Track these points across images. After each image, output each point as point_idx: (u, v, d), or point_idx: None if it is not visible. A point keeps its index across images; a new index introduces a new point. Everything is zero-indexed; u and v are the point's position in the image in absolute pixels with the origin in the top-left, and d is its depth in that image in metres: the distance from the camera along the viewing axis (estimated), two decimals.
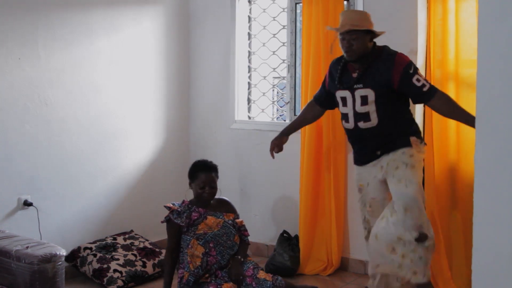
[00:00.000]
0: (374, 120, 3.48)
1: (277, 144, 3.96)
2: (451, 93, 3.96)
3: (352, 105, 3.53)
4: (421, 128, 4.17)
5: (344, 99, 3.58)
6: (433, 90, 3.40)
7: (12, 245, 3.30)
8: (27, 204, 4.05)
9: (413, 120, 3.65)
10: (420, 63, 4.10)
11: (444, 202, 4.00)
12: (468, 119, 3.31)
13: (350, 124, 3.57)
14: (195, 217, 3.56)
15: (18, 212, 4.04)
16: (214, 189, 3.61)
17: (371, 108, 3.46)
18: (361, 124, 3.51)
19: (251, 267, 3.55)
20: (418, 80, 3.38)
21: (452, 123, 3.96)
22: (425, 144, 3.60)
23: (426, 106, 4.10)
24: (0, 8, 3.89)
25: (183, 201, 3.66)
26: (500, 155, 1.57)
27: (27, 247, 3.26)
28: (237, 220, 3.67)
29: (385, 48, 3.55)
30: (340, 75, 3.60)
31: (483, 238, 1.61)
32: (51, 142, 4.21)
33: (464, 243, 3.92)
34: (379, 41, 4.21)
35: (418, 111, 4.15)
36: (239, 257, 3.58)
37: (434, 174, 3.99)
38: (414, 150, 3.45)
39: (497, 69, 1.57)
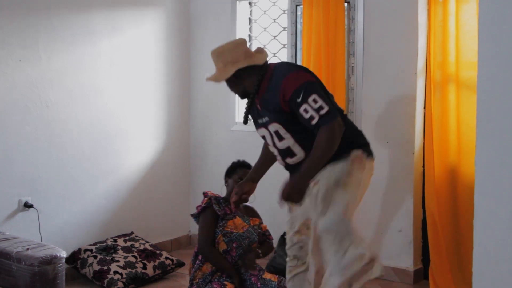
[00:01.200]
0: (299, 153, 2.87)
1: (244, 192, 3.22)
2: (452, 95, 3.96)
3: (272, 142, 2.95)
4: (421, 130, 4.19)
5: (264, 138, 3.02)
6: (321, 122, 2.71)
7: (12, 247, 3.29)
8: (27, 205, 4.05)
9: (354, 135, 2.93)
10: (420, 65, 4.11)
11: (444, 204, 4.00)
12: (310, 162, 2.76)
13: (282, 163, 3.02)
14: (228, 212, 3.62)
15: (19, 214, 4.04)
16: None
17: (289, 141, 2.87)
18: (290, 161, 2.93)
19: (257, 268, 3.58)
20: (306, 110, 2.72)
21: (453, 125, 3.96)
22: (373, 157, 2.95)
23: (426, 109, 4.11)
24: (0, 10, 3.90)
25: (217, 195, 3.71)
26: (501, 157, 1.57)
27: (28, 249, 3.25)
28: (262, 225, 3.75)
29: (276, 69, 2.88)
30: (248, 109, 3.02)
31: (483, 240, 1.61)
32: (51, 143, 4.21)
33: (465, 245, 3.92)
34: (383, 39, 4.21)
35: (418, 111, 4.16)
36: (260, 251, 3.63)
37: (435, 176, 3.99)
38: (351, 166, 2.83)
39: (497, 71, 1.57)
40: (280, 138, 2.89)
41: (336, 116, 2.73)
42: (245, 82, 2.94)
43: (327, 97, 2.79)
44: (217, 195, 3.68)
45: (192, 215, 3.71)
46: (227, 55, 2.93)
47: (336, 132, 2.73)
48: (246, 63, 2.90)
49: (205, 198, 3.64)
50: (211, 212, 3.59)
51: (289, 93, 2.75)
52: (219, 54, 2.96)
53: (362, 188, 2.92)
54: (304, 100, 2.71)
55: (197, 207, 3.66)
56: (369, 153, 2.92)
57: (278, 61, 4.61)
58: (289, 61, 4.81)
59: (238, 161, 3.77)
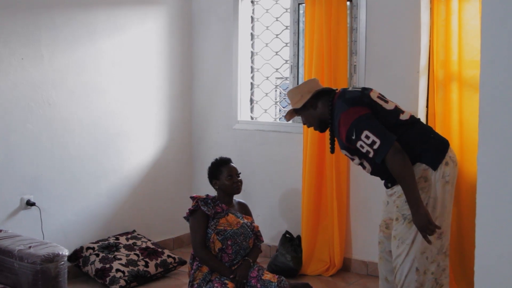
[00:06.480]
0: (368, 167, 3.14)
1: None
2: (454, 94, 3.96)
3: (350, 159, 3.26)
4: None
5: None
6: (379, 153, 2.91)
7: (14, 245, 3.30)
8: (29, 204, 4.06)
9: (418, 146, 3.04)
10: (423, 63, 4.10)
11: None
12: (407, 190, 2.90)
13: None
14: (219, 210, 3.61)
15: (21, 212, 4.05)
16: (240, 178, 3.70)
17: (356, 161, 3.16)
18: (365, 170, 3.21)
19: (256, 268, 3.58)
20: (362, 146, 2.95)
21: (455, 123, 3.95)
22: (438, 166, 3.00)
23: (428, 107, 4.11)
24: (3, 9, 3.90)
25: (207, 195, 3.70)
26: (503, 156, 1.57)
27: (30, 247, 3.26)
28: (254, 224, 3.73)
29: (337, 101, 3.10)
30: (332, 136, 3.28)
31: (485, 239, 1.60)
32: (54, 142, 4.22)
33: (467, 243, 3.92)
34: (385, 38, 4.21)
35: (421, 110, 4.15)
36: (250, 260, 3.61)
37: None
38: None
39: (500, 70, 1.57)
40: (351, 159, 3.17)
41: (390, 144, 2.89)
42: (319, 110, 3.18)
43: (379, 125, 2.94)
44: (205, 196, 3.67)
45: (184, 217, 3.72)
46: (303, 87, 3.23)
47: (395, 160, 2.89)
48: (320, 88, 3.18)
49: (193, 201, 3.65)
50: (200, 214, 3.60)
51: (344, 132, 2.99)
52: (296, 89, 3.26)
53: (440, 202, 3.01)
54: (358, 138, 2.93)
55: (188, 209, 3.68)
56: (432, 163, 2.99)
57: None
58: (292, 60, 4.81)
59: (216, 160, 3.77)
